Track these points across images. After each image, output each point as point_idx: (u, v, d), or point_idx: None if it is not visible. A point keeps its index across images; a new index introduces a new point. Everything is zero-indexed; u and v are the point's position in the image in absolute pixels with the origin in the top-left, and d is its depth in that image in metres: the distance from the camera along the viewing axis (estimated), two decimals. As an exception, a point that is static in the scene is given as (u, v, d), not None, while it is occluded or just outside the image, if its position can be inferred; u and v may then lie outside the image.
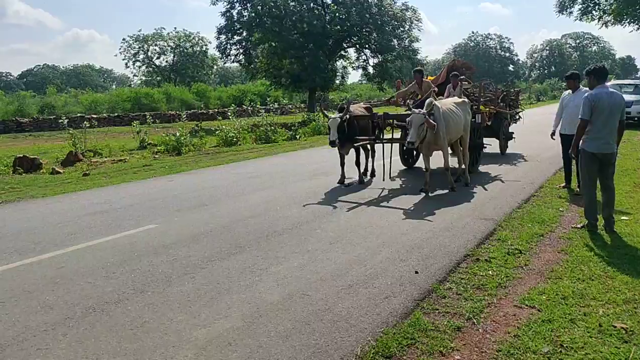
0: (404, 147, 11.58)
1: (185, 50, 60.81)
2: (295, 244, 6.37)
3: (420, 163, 11.81)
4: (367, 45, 37.81)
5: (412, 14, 37.70)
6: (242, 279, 5.22)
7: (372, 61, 39.10)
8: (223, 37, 36.95)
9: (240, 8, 35.79)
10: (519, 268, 5.47)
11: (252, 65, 38.02)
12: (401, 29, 36.92)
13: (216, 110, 40.28)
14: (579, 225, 6.90)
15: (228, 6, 35.75)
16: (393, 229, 6.96)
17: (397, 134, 11.61)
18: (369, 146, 10.88)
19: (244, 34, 36.52)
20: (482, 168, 11.82)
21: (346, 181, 10.24)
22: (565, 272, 5.28)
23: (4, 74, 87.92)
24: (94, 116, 31.76)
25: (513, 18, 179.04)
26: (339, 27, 34.57)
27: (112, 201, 9.15)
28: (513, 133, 14.61)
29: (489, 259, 5.72)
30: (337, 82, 39.55)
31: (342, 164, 10.23)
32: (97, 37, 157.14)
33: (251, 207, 8.36)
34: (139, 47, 60.25)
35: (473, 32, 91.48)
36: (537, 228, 6.86)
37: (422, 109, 8.84)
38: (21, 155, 14.31)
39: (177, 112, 36.58)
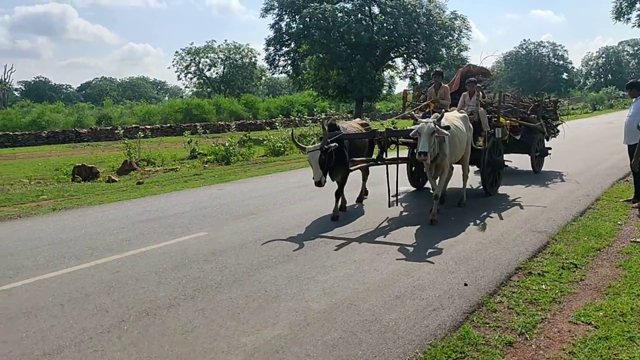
0: (412, 167, 10.49)
1: (235, 62, 62.07)
2: (342, 254, 6.37)
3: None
4: (414, 55, 37.61)
5: (461, 22, 37.30)
6: (290, 288, 5.26)
7: (419, 71, 38.84)
8: (272, 48, 37.60)
9: (288, 20, 36.36)
10: (574, 283, 5.28)
11: (300, 76, 38.47)
12: (450, 37, 36.54)
13: (264, 120, 40.90)
14: (638, 239, 6.60)
15: (277, 18, 36.40)
16: (440, 241, 6.87)
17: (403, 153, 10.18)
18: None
19: (292, 45, 37.05)
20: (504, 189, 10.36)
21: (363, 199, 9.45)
22: (624, 288, 5.06)
23: (64, 87, 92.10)
24: (148, 127, 32.85)
25: (566, 25, 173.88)
26: (386, 37, 34.56)
27: (164, 209, 9.42)
28: (549, 149, 12.97)
29: (542, 272, 5.54)
30: (384, 92, 39.47)
31: (338, 194, 8.37)
32: (152, 51, 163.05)
33: (298, 216, 8.43)
34: (191, 60, 61.95)
35: (525, 40, 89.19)
36: (594, 242, 6.60)
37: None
38: (80, 164, 14.94)
39: (227, 122, 37.38)
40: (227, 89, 60.68)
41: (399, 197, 8.95)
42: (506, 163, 10.72)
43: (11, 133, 29.40)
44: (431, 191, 8.35)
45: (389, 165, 8.64)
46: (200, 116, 40.40)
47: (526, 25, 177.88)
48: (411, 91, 12.72)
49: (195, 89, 65.53)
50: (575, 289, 5.11)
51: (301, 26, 34.44)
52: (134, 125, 32.86)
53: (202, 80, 63.90)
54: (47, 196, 11.38)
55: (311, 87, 39.61)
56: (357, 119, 10.30)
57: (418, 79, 38.74)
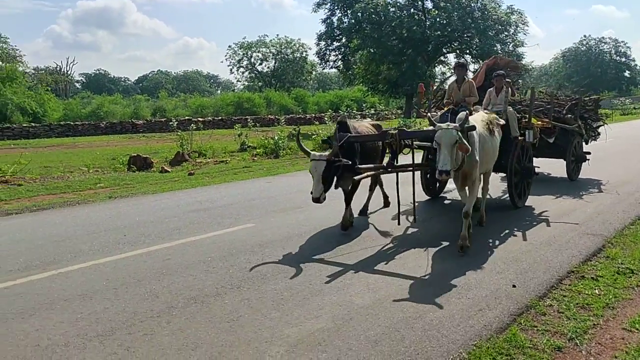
0: (427, 174, 9.18)
1: (286, 57, 62.50)
2: (387, 249, 6.35)
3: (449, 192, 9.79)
4: (468, 51, 36.82)
5: (517, 17, 36.21)
6: (334, 281, 5.29)
7: (473, 67, 38.00)
8: (323, 43, 37.72)
9: (340, 15, 36.34)
10: (629, 289, 5.07)
11: (350, 71, 38.41)
12: (505, 33, 35.54)
13: (313, 115, 41.07)
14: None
15: (329, 13, 36.46)
16: (488, 240, 6.72)
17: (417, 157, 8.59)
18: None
19: (343, 40, 37.01)
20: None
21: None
22: (685, 296, 4.81)
23: (122, 79, 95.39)
24: (200, 119, 33.57)
25: (629, 21, 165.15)
26: (439, 32, 33.98)
27: (214, 200, 9.64)
28: (588, 154, 11.47)
29: (596, 277, 5.35)
30: (436, 88, 38.83)
31: (348, 201, 7.36)
32: (206, 45, 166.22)
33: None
34: (243, 54, 62.80)
35: (585, 36, 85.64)
36: (653, 247, 6.30)
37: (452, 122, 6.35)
38: (135, 155, 15.46)
39: (276, 116, 37.75)
40: (277, 83, 61.22)
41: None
42: (536, 169, 9.26)
43: (72, 123, 30.70)
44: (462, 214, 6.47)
45: (400, 173, 7.42)
46: (250, 109, 40.99)
47: (586, 20, 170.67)
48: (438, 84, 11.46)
49: (246, 83, 66.46)
50: (630, 295, 4.91)
51: (353, 21, 34.37)
52: (187, 118, 33.64)
53: (253, 74, 64.70)
54: (104, 184, 11.85)
55: (361, 82, 39.43)
56: (368, 120, 8.80)
57: (470, 75, 37.88)
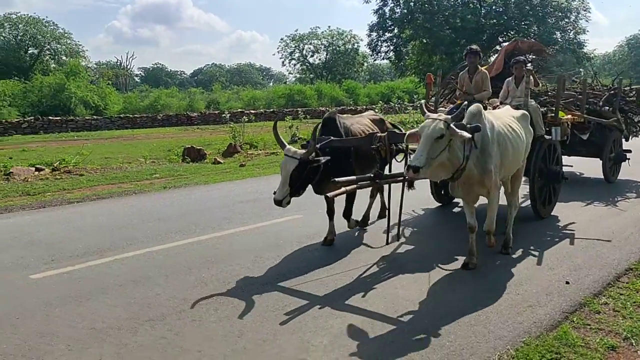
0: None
1: (338, 48, 62.41)
2: (435, 242, 6.27)
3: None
4: (525, 39, 35.59)
5: (579, 3, 34.69)
6: (380, 273, 5.28)
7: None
8: (374, 34, 37.46)
9: (392, 5, 35.95)
10: (693, 289, 4.79)
11: (402, 62, 38.01)
12: (565, 20, 34.13)
13: (364, 107, 40.79)
14: None
15: (381, 3, 36.13)
16: (540, 235, 6.52)
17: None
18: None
19: (395, 30, 36.62)
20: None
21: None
22: None
23: (178, 73, 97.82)
24: (252, 111, 34.04)
25: None
26: (494, 20, 33.07)
27: (263, 191, 9.76)
28: (628, 152, 9.95)
29: (656, 275, 5.09)
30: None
31: (331, 213, 6.35)
32: (258, 38, 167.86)
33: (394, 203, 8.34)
34: (295, 46, 63.18)
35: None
36: None
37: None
38: (189, 146, 15.87)
39: (327, 108, 37.78)
40: (329, 75, 61.24)
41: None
42: (567, 168, 8.17)
43: (131, 116, 31.77)
44: (467, 228, 5.50)
45: (392, 184, 6.24)
46: (301, 101, 41.18)
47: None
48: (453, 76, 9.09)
49: (298, 75, 66.85)
50: (694, 296, 4.64)
51: (405, 11, 33.93)
52: (239, 110, 34.17)
53: (305, 67, 65.01)
54: (159, 175, 12.23)
55: (413, 73, 38.92)
56: (370, 112, 7.59)
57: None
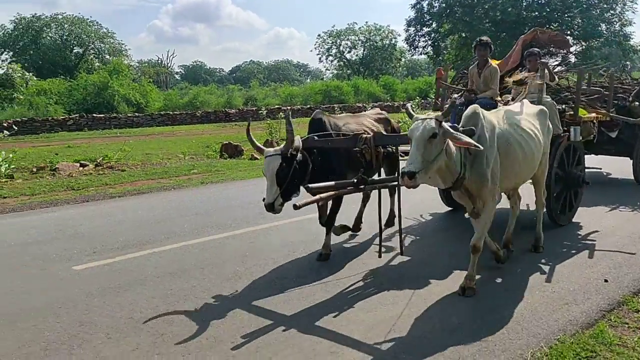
0: None
1: (375, 44, 62.10)
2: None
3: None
4: (569, 32, 34.55)
5: (626, -7, 33.45)
6: (413, 268, 5.26)
7: (574, 49, 35.65)
8: (412, 29, 37.14)
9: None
10: None
11: (440, 57, 37.49)
12: (611, 11, 32.95)
13: (402, 102, 40.49)
14: None
15: (418, -2, 35.65)
16: (580, 233, 6.36)
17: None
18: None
19: (433, 25, 36.18)
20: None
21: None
22: None
23: (217, 70, 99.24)
24: (289, 107, 34.27)
25: None
26: (536, 13, 32.27)
27: (298, 186, 9.85)
28: None
29: (702, 275, 4.89)
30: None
31: (329, 223, 5.76)
32: (296, 35, 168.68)
33: (430, 199, 8.27)
34: (332, 42, 63.21)
35: None
36: None
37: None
38: (227, 142, 16.13)
39: (364, 104, 37.66)
40: (366, 70, 61.02)
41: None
42: (596, 169, 7.55)
43: (171, 113, 32.47)
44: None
45: (381, 190, 5.56)
46: (338, 98, 41.17)
47: None
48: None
49: (335, 71, 66.84)
50: None
51: (443, 5, 33.50)
52: (276, 106, 34.44)
53: (342, 63, 64.93)
54: (197, 170, 12.49)
55: (451, 67, 38.30)
56: (375, 110, 6.90)
57: (572, 58, 35.63)
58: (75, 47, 49.41)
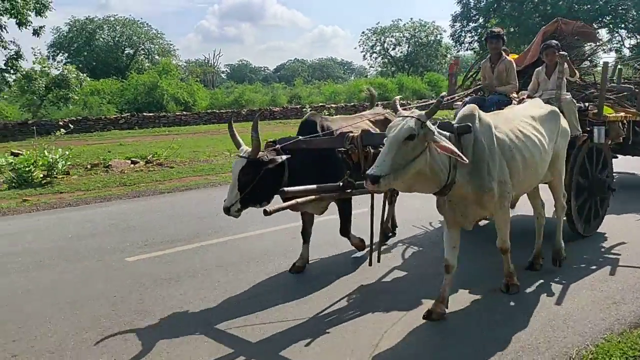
0: None
1: (420, 40, 61.38)
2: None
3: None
4: (622, 25, 33.27)
5: (686, -17, 31.88)
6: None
7: (628, 42, 34.31)
8: (458, 24, 36.56)
9: (477, -6, 34.82)
10: None
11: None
12: (669, 3, 31.51)
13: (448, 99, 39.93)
14: None
15: (465, -7, 35.06)
16: (629, 230, 6.19)
17: None
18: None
19: (480, 20, 35.49)
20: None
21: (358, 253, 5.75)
22: None
23: (262, 69, 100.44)
24: (333, 105, 34.32)
25: None
26: (588, 6, 31.17)
27: (342, 183, 9.94)
28: None
29: None
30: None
31: (306, 234, 5.48)
32: (340, 32, 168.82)
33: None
34: (376, 39, 62.82)
35: None
36: None
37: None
38: (271, 140, 16.32)
39: (408, 101, 37.36)
40: (410, 67, 60.39)
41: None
42: (630, 174, 6.78)
43: (217, 111, 33.11)
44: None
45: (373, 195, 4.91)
46: (382, 95, 40.94)
47: None
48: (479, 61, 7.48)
49: (379, 69, 66.45)
50: None
51: (491, 0, 32.71)
52: (320, 104, 34.59)
53: (386, 60, 64.48)
54: (242, 167, 12.75)
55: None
56: (374, 110, 6.57)
57: (626, 52, 34.28)
58: (126, 48, 50.96)
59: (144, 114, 28.90)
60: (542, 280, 4.87)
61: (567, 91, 5.88)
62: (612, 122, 6.20)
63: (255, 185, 4.61)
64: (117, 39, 50.28)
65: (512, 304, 4.37)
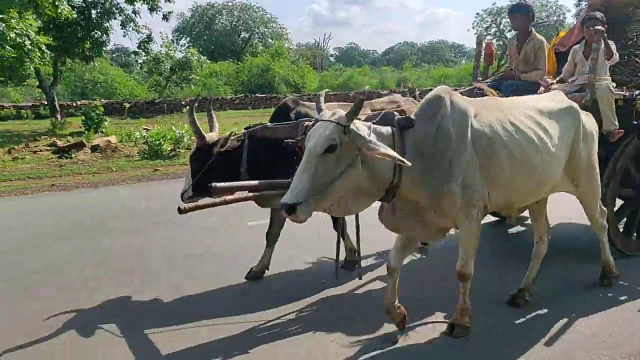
0: None
1: (541, 21, 57.96)
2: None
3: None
4: None
5: None
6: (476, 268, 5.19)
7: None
8: (584, 3, 33.97)
9: (607, -31, 32.25)
10: None
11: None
12: None
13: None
14: None
15: (593, -32, 32.62)
16: None
17: None
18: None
19: (609, -2, 32.81)
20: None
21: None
22: None
23: (370, 52, 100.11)
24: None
25: None
26: None
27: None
28: None
29: None
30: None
31: (271, 236, 5.02)
32: (453, 14, 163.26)
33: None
34: (492, 21, 60.20)
35: None
36: None
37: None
38: (379, 121, 16.61)
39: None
40: (527, 50, 57.37)
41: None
42: None
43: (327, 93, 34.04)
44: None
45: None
46: (496, 79, 39.51)
47: None
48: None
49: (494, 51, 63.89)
50: None
51: (623, -25, 30.14)
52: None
53: (501, 42, 61.69)
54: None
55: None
56: (395, 96, 5.87)
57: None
58: (242, 32, 53.34)
59: (257, 95, 30.30)
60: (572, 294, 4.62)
61: (608, 75, 4.84)
62: None
63: (206, 173, 4.22)
64: (234, 23, 52.73)
65: (543, 318, 4.22)
